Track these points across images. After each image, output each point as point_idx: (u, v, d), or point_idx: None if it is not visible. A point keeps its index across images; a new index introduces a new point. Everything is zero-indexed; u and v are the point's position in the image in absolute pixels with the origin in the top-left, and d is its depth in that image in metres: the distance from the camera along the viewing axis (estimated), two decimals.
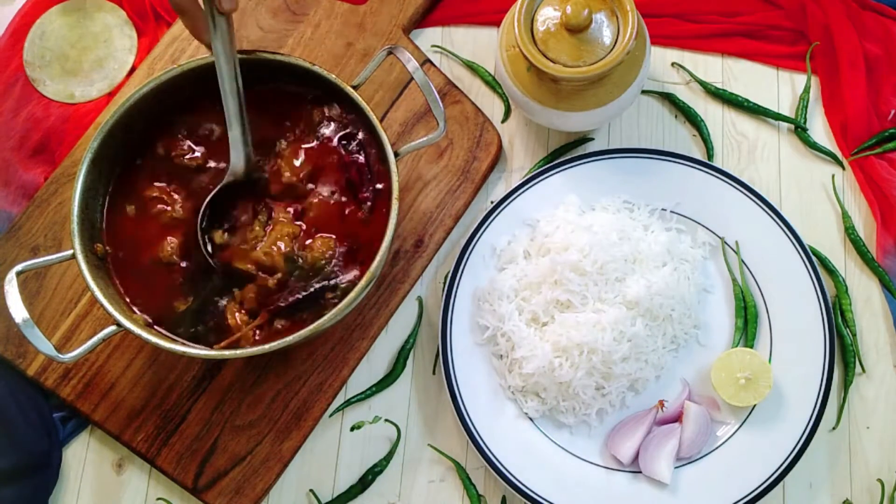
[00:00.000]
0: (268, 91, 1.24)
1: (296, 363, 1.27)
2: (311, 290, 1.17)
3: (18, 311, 1.07)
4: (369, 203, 1.20)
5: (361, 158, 1.21)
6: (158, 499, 1.26)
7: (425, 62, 1.35)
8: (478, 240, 1.27)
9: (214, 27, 1.10)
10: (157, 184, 1.22)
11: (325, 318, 1.11)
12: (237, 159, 1.18)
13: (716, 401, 1.23)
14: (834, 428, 1.23)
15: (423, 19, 1.41)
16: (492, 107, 1.37)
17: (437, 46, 1.40)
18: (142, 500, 1.26)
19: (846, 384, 1.24)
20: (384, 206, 1.19)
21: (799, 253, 1.24)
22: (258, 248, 1.18)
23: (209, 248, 1.19)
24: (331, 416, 1.27)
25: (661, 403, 1.23)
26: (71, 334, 1.28)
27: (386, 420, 1.27)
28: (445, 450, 1.25)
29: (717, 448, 1.21)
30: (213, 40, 1.11)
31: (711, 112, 1.36)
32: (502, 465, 1.20)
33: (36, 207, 1.32)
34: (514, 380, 1.22)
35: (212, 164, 1.23)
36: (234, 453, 1.24)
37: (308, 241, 1.19)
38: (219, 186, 1.19)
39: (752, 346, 1.24)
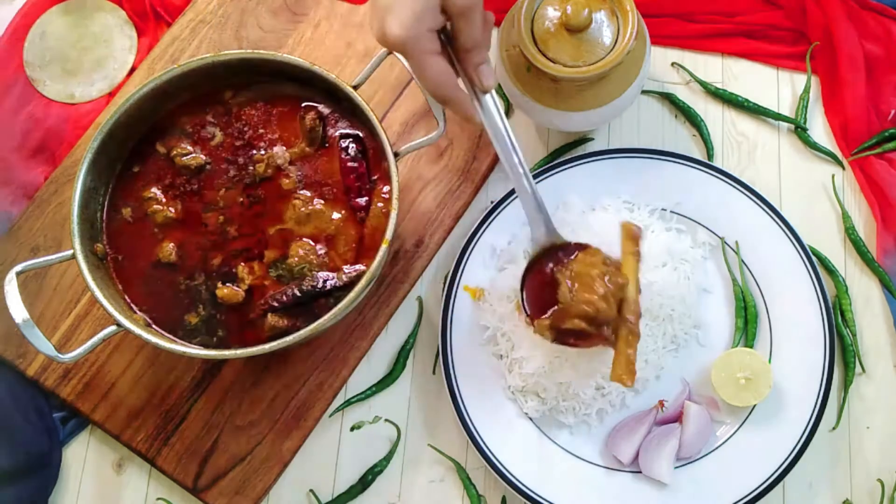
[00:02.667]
0: (267, 93, 1.24)
1: (296, 363, 1.27)
2: (310, 289, 1.17)
3: (18, 311, 1.07)
4: (369, 203, 1.20)
5: (361, 162, 1.21)
6: (158, 499, 1.26)
7: None
8: (478, 240, 1.27)
9: (481, 106, 1.07)
10: (156, 184, 1.22)
11: (326, 317, 1.11)
12: (538, 232, 1.14)
13: (716, 401, 1.23)
14: (834, 428, 1.23)
15: None
16: None
17: None
18: (142, 500, 1.26)
19: (846, 384, 1.24)
20: (384, 206, 1.20)
21: (799, 253, 1.24)
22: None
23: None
24: (331, 416, 1.27)
25: (661, 403, 1.23)
26: (71, 334, 1.28)
27: (386, 420, 1.27)
28: (445, 450, 1.25)
29: (717, 448, 1.21)
30: (483, 119, 1.08)
31: (711, 112, 1.36)
32: (502, 465, 1.20)
33: (36, 207, 1.32)
34: (514, 380, 1.22)
35: (211, 164, 1.23)
36: (234, 453, 1.24)
37: (303, 241, 1.19)
38: (528, 261, 1.16)
39: (752, 346, 1.24)
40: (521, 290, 1.15)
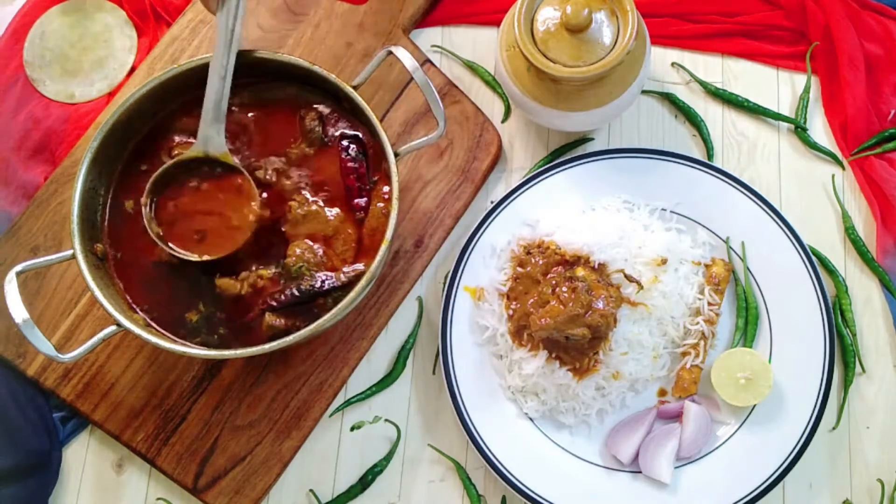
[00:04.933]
0: (267, 93, 1.24)
1: (296, 363, 1.27)
2: (309, 289, 1.17)
3: (18, 311, 1.07)
4: (368, 203, 1.20)
5: (361, 162, 1.21)
6: (158, 499, 1.26)
7: (425, 62, 1.35)
8: (478, 240, 1.27)
9: (222, 2, 1.14)
10: None
11: (325, 317, 1.11)
12: (206, 135, 1.18)
13: (716, 401, 1.23)
14: (834, 428, 1.23)
15: (423, 19, 1.41)
16: (492, 107, 1.37)
17: (437, 46, 1.40)
18: (142, 500, 1.26)
19: (846, 384, 1.24)
20: (384, 206, 1.20)
21: (799, 253, 1.24)
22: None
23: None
24: (331, 416, 1.27)
25: (662, 394, 1.23)
26: (71, 334, 1.28)
27: (386, 420, 1.27)
28: (445, 450, 1.25)
29: (717, 448, 1.21)
30: (219, 13, 1.14)
31: (711, 112, 1.36)
32: (502, 465, 1.20)
33: (36, 207, 1.32)
34: (514, 380, 1.22)
35: None
36: (234, 453, 1.24)
37: (301, 241, 1.19)
38: (180, 158, 1.19)
39: (751, 346, 1.24)
40: (150, 196, 1.17)
